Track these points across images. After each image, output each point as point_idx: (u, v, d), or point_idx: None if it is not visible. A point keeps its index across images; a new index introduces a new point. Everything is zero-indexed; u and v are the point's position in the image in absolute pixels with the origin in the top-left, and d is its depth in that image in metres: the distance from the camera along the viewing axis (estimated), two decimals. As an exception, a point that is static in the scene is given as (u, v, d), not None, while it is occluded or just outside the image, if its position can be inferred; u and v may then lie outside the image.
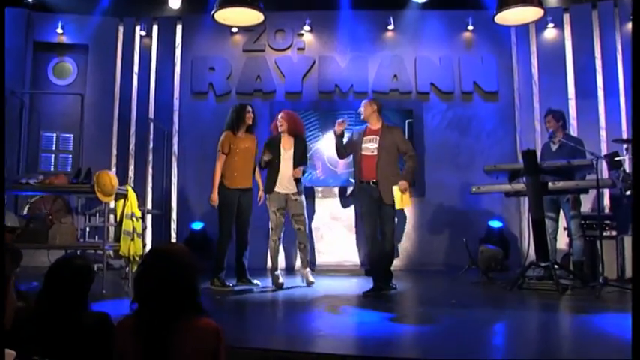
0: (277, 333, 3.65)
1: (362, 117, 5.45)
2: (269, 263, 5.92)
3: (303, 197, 5.71)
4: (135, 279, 2.11)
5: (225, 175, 5.68)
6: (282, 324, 4.07)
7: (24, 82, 7.66)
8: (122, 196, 5.59)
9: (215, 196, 5.65)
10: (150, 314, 1.96)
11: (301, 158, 5.70)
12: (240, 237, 5.74)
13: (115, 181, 5.23)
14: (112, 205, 5.88)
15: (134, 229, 5.56)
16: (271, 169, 5.67)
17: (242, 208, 5.70)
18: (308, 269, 5.77)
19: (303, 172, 5.75)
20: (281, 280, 5.57)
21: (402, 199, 5.09)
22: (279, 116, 5.79)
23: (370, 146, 5.31)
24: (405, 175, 5.21)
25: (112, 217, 6.44)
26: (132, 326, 1.98)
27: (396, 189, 5.07)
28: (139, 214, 5.69)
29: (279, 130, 5.74)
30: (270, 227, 5.68)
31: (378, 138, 5.31)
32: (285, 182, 5.61)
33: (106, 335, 2.16)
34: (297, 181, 5.64)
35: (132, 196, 5.64)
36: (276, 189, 5.60)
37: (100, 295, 4.85)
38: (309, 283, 5.62)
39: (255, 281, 5.70)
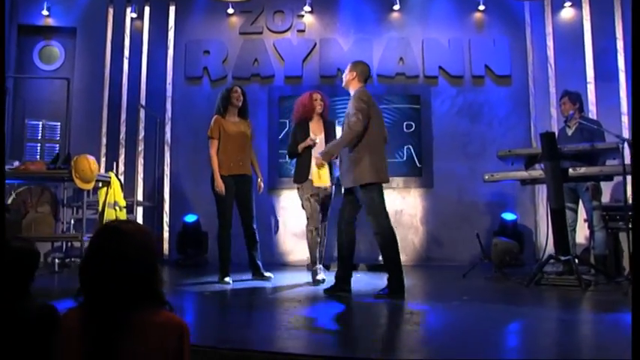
0: (273, 334, 3.21)
1: (342, 84, 4.69)
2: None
3: (333, 188, 5.27)
4: (81, 264, 1.75)
5: (219, 162, 5.27)
6: (275, 323, 3.63)
7: (7, 67, 7.22)
8: (105, 183, 5.18)
9: (220, 182, 5.19)
10: (98, 307, 1.64)
11: None
12: (246, 229, 5.32)
13: (95, 166, 4.82)
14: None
15: (117, 219, 5.14)
16: (303, 157, 5.24)
17: (241, 198, 5.29)
18: (320, 266, 5.29)
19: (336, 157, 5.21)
20: (320, 276, 5.11)
21: (318, 176, 4.69)
22: (318, 97, 5.32)
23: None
24: (327, 147, 4.57)
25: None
26: (77, 321, 1.65)
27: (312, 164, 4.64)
28: (123, 203, 5.29)
29: (317, 112, 5.30)
30: (305, 217, 5.24)
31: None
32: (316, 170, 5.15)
33: (50, 330, 1.84)
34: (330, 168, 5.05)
35: (115, 183, 5.24)
36: (311, 176, 5.09)
37: (77, 290, 4.42)
38: (316, 282, 5.10)
39: (267, 274, 5.30)
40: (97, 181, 4.99)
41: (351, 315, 3.81)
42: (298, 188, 5.28)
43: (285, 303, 4.31)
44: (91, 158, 4.84)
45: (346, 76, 4.62)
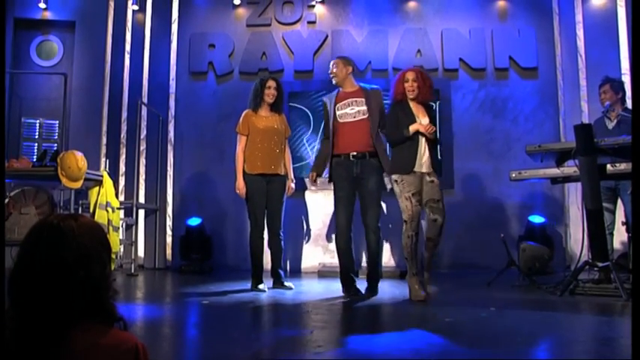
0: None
1: (335, 81, 4.73)
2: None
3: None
4: (11, 272, 1.34)
5: (245, 159, 4.87)
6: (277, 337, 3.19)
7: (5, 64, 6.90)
8: (96, 182, 4.77)
9: (241, 183, 4.78)
10: (29, 327, 1.26)
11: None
12: (271, 234, 4.90)
13: (83, 163, 4.43)
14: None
15: (110, 221, 4.77)
16: (408, 143, 4.32)
17: (270, 200, 4.85)
18: (427, 275, 4.37)
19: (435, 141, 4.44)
20: (418, 293, 4.21)
21: None
22: (410, 77, 4.39)
23: (350, 111, 4.58)
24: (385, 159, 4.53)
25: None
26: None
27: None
28: (116, 203, 4.89)
29: (410, 97, 4.40)
30: (403, 219, 4.27)
31: (361, 100, 4.58)
32: (424, 159, 4.30)
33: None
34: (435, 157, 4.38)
35: (108, 182, 4.85)
36: (416, 167, 4.27)
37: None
38: (424, 297, 4.21)
39: (287, 284, 4.88)
40: (88, 180, 4.58)
41: (362, 327, 3.36)
42: (396, 181, 4.33)
43: (283, 312, 3.89)
44: (79, 154, 4.44)
45: (340, 72, 4.72)
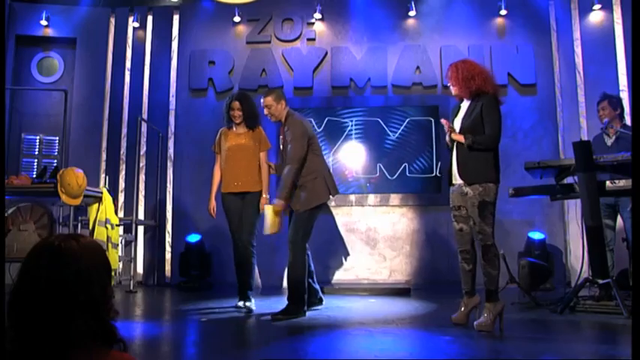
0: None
1: (273, 119, 4.52)
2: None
3: (487, 187, 3.70)
4: (11, 293, 1.33)
5: (221, 178, 4.82)
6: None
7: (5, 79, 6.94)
8: (95, 199, 4.76)
9: (212, 204, 4.73)
10: (29, 350, 1.26)
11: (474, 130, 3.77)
12: (241, 245, 4.64)
13: (82, 181, 4.42)
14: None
15: (109, 238, 4.75)
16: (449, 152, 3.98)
17: (243, 215, 4.68)
18: (492, 306, 3.73)
19: (470, 145, 3.68)
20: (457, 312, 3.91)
21: (273, 222, 4.23)
22: (447, 75, 4.03)
23: (285, 143, 4.50)
24: (280, 190, 4.27)
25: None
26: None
27: (269, 209, 4.24)
28: (115, 220, 4.88)
29: (455, 95, 4.01)
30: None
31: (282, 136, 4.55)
32: (455, 168, 3.86)
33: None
34: (474, 163, 3.72)
35: (107, 199, 4.84)
36: (454, 179, 3.88)
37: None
38: (454, 320, 3.91)
39: (248, 304, 4.58)
40: (88, 197, 4.58)
41: (358, 345, 3.34)
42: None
43: (279, 332, 3.86)
44: (79, 171, 4.44)
45: (277, 109, 4.45)
